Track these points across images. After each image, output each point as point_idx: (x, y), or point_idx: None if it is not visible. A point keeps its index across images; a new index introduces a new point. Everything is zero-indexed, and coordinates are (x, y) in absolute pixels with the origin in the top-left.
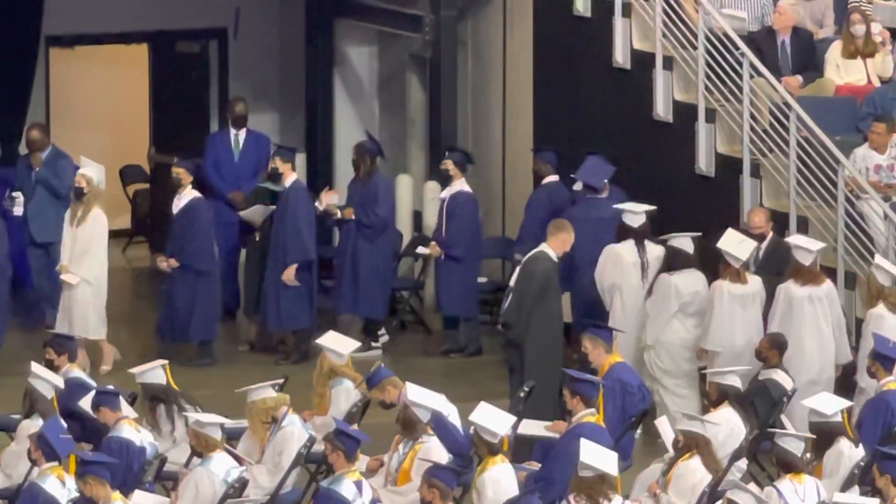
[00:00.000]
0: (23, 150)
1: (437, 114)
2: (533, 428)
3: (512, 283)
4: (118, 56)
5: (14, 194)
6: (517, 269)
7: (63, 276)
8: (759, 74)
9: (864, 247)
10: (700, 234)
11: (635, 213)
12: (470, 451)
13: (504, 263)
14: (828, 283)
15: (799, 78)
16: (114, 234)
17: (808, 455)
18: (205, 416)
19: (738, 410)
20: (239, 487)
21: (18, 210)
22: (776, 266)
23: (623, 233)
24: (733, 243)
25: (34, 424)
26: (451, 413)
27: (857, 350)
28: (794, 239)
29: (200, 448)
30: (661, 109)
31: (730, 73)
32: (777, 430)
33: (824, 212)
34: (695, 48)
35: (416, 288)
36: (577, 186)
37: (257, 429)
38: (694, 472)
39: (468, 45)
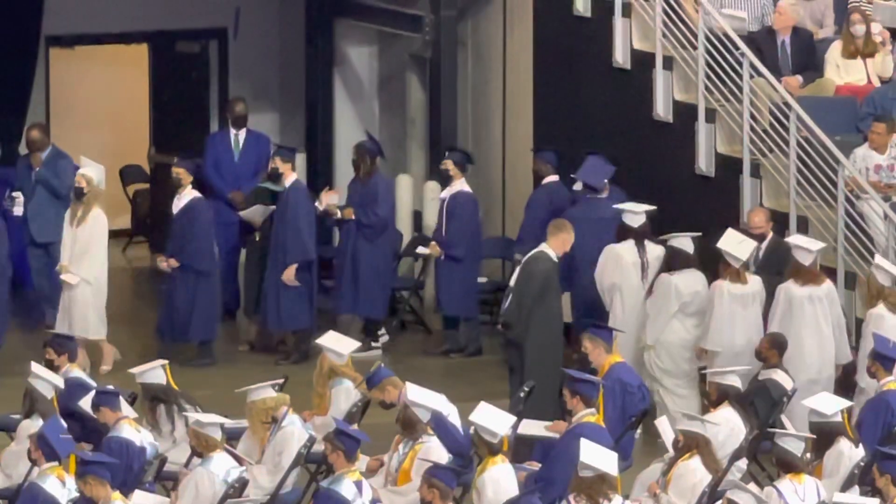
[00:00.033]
0: (23, 150)
1: (437, 114)
2: (533, 428)
3: (512, 283)
4: (118, 56)
5: (14, 194)
6: (517, 269)
7: (63, 277)
8: (759, 74)
9: (865, 247)
10: (700, 234)
11: (635, 213)
12: (470, 451)
13: (504, 263)
14: (828, 283)
15: (799, 78)
16: (114, 234)
17: (808, 455)
18: (205, 416)
19: (738, 410)
20: (239, 487)
21: (18, 210)
22: (776, 266)
23: (623, 233)
24: (733, 243)
25: (34, 424)
26: (451, 413)
27: (857, 350)
28: (794, 239)
29: (200, 448)
30: (661, 109)
31: (730, 73)
32: (777, 430)
33: (824, 212)
34: (695, 48)
35: (416, 288)
36: (577, 186)
37: (257, 429)
38: (694, 472)
39: (468, 45)
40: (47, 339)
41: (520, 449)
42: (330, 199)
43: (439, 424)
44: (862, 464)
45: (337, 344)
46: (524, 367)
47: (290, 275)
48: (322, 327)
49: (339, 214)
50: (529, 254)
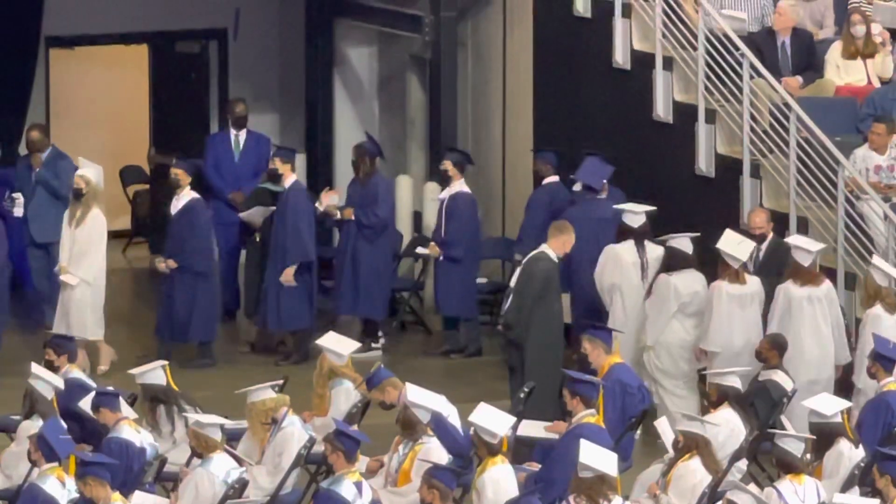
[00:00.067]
0: (23, 150)
1: (437, 114)
2: (533, 429)
3: (512, 283)
4: (118, 56)
5: (14, 195)
6: (518, 270)
7: (62, 277)
8: (759, 75)
9: (864, 247)
10: (699, 234)
11: (635, 213)
12: (470, 452)
13: (504, 264)
14: (827, 284)
15: (799, 78)
16: (114, 235)
17: (808, 456)
18: (205, 417)
19: (738, 411)
20: (239, 488)
21: (19, 211)
22: (777, 267)
23: (623, 233)
24: (732, 244)
25: (34, 425)
26: (451, 414)
27: (854, 351)
28: (794, 239)
29: (200, 449)
30: (661, 110)
31: (730, 74)
32: (777, 431)
33: (824, 212)
34: (695, 49)
35: (416, 288)
36: (577, 187)
37: (257, 430)
38: (694, 473)
39: (468, 46)
40: (47, 340)
41: (520, 450)
42: (330, 200)
43: (439, 425)
44: (862, 464)
45: (337, 345)
46: (525, 368)
47: (288, 276)
48: (322, 328)
49: (338, 215)
50: (530, 254)
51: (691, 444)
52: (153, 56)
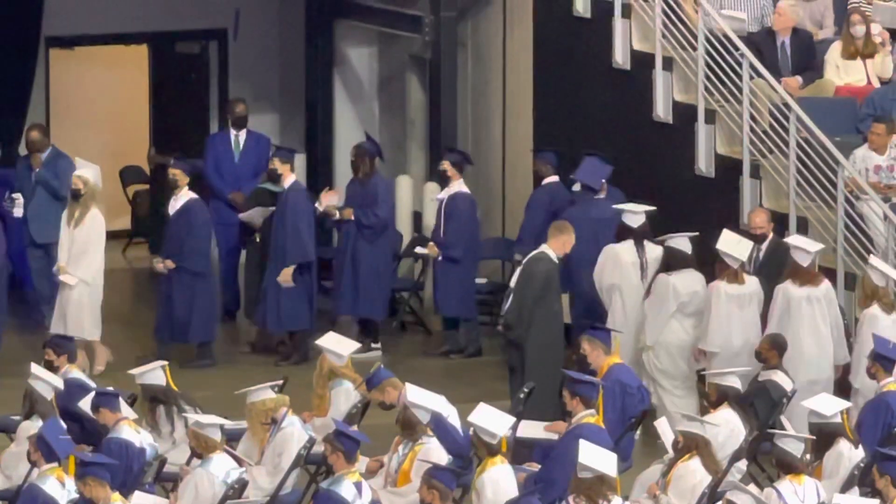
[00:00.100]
0: (22, 150)
1: (437, 115)
2: (532, 430)
3: (513, 283)
4: (118, 57)
5: (14, 195)
6: (518, 270)
7: (61, 277)
8: (759, 75)
9: (864, 248)
10: (697, 233)
11: (635, 213)
12: (470, 453)
13: (504, 264)
14: (826, 284)
15: (798, 79)
16: (114, 235)
17: (808, 456)
18: (204, 418)
19: (738, 411)
20: (239, 489)
21: (18, 211)
22: (777, 267)
23: (623, 233)
24: (731, 244)
25: (34, 426)
26: (451, 414)
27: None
28: (793, 240)
29: (200, 449)
30: (661, 110)
31: (729, 74)
32: (777, 431)
33: (824, 213)
34: (694, 49)
35: (416, 289)
36: (576, 187)
37: (257, 430)
38: (694, 474)
39: (468, 46)
40: (47, 340)
41: (519, 450)
42: (329, 200)
43: (439, 425)
44: (862, 465)
45: (337, 345)
46: (525, 368)
47: (286, 276)
48: (321, 328)
49: (337, 215)
50: (530, 255)
51: (691, 445)
52: (153, 56)
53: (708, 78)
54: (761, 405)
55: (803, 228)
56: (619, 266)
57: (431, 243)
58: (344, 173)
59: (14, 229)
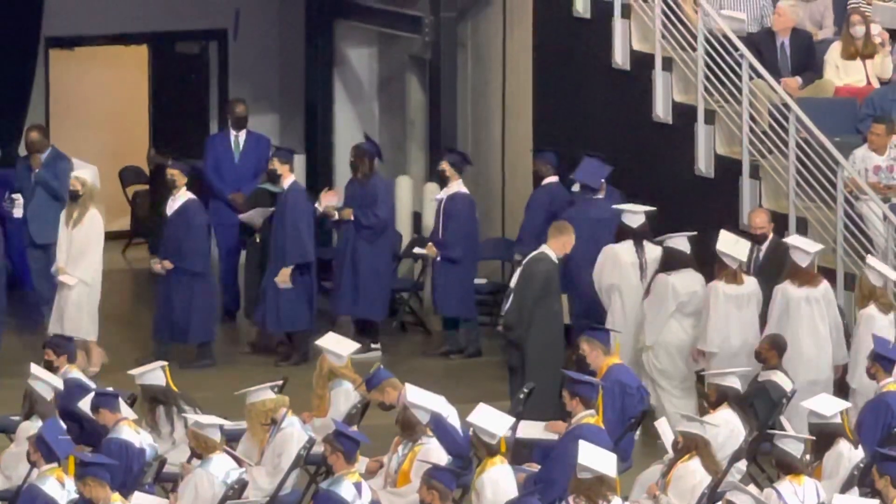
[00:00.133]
0: (22, 151)
1: (437, 115)
2: (532, 430)
3: (513, 284)
4: (118, 57)
5: (14, 196)
6: (518, 271)
7: (60, 278)
8: (759, 76)
9: (864, 248)
10: (695, 232)
11: (634, 213)
12: (469, 453)
13: (504, 264)
14: (825, 284)
15: (798, 79)
16: (114, 236)
17: (808, 456)
18: (204, 418)
19: (738, 412)
20: (238, 489)
21: (18, 212)
22: (777, 267)
23: (622, 233)
24: (730, 244)
25: (34, 426)
26: (451, 414)
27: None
28: (793, 240)
29: (200, 449)
30: (661, 111)
31: (729, 75)
32: (776, 432)
33: (823, 213)
34: (694, 49)
35: (416, 289)
36: (576, 188)
37: (256, 430)
38: (693, 474)
39: (468, 47)
40: (46, 341)
41: (519, 450)
42: (329, 201)
43: (439, 426)
44: (861, 465)
45: (336, 345)
46: (525, 369)
47: (284, 276)
48: (321, 329)
49: (336, 216)
50: (530, 255)
51: (691, 445)
52: (153, 57)
53: (707, 78)
54: (761, 405)
55: (803, 229)
56: (618, 266)
57: (430, 244)
58: (344, 174)
59: (14, 230)
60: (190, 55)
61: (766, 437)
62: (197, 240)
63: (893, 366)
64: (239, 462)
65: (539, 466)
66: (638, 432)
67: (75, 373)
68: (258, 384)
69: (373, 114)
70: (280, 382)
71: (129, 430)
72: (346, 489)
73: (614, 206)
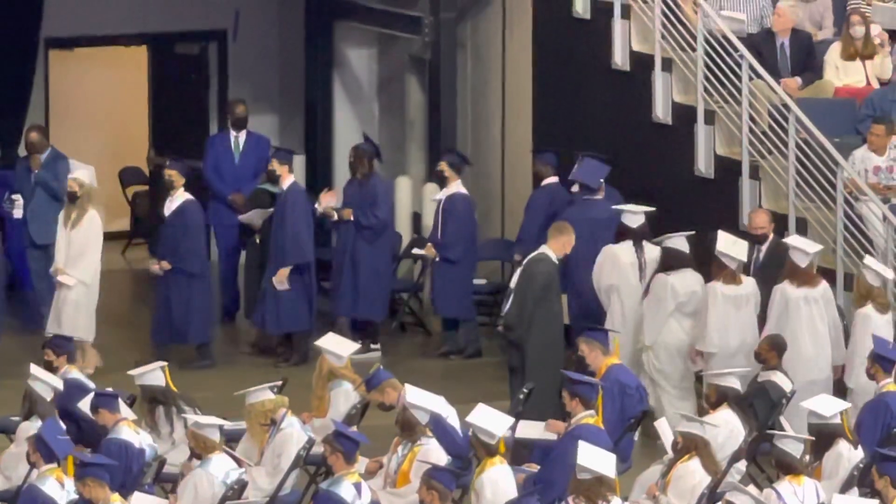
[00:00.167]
0: (22, 152)
1: (437, 115)
2: (531, 430)
3: (513, 284)
4: (118, 58)
5: (14, 196)
6: (518, 271)
7: (59, 278)
8: (758, 76)
9: (864, 248)
10: (693, 232)
11: (634, 213)
12: (469, 453)
13: (503, 265)
14: (824, 285)
15: (798, 80)
16: (113, 237)
17: (808, 457)
18: (203, 418)
19: (738, 412)
20: (238, 489)
21: (18, 212)
22: (778, 268)
23: (622, 233)
24: (729, 245)
25: (33, 426)
26: (450, 415)
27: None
28: (792, 240)
29: (199, 450)
30: (661, 111)
31: (729, 75)
32: (776, 432)
33: (823, 213)
34: (694, 50)
35: (416, 290)
36: (575, 188)
37: (256, 431)
38: (693, 474)
39: (467, 47)
40: (46, 341)
41: (519, 451)
42: (329, 201)
43: (438, 426)
44: (861, 465)
45: (336, 346)
46: (525, 369)
47: (281, 277)
48: (320, 329)
49: (335, 216)
50: (530, 256)
51: (690, 445)
52: (153, 57)
53: (707, 79)
54: (761, 406)
55: (802, 229)
56: (617, 266)
57: (429, 244)
58: (343, 174)
59: (14, 230)
60: (190, 56)
61: (766, 437)
62: (194, 240)
63: (893, 366)
64: (238, 462)
65: (538, 467)
66: (637, 433)
67: (75, 373)
68: (258, 385)
69: (372, 114)
70: (279, 383)
71: (129, 431)
72: (345, 489)
73: (613, 207)
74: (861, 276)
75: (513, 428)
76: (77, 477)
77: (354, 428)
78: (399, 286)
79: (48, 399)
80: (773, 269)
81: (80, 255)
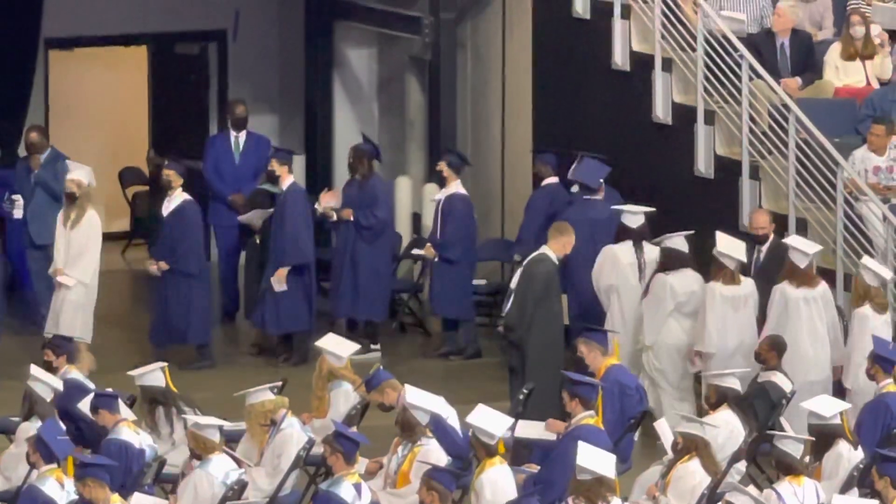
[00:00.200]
0: (22, 152)
1: (437, 116)
2: (530, 429)
3: (513, 285)
4: (117, 58)
5: (14, 197)
6: (518, 272)
7: (59, 279)
8: (758, 76)
9: (863, 248)
10: (692, 231)
11: (634, 213)
12: (469, 454)
13: (503, 265)
14: (823, 285)
15: (798, 80)
16: (113, 237)
17: (808, 457)
18: (203, 419)
19: (738, 412)
20: (238, 490)
21: (18, 212)
22: (778, 268)
23: (622, 234)
24: (728, 245)
25: (33, 427)
26: (450, 415)
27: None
28: (792, 240)
29: (199, 450)
30: (661, 111)
31: (729, 75)
32: (776, 433)
33: (823, 214)
34: (694, 50)
35: (415, 290)
36: (574, 188)
37: (256, 432)
38: (693, 475)
39: (467, 47)
40: (46, 341)
41: (519, 451)
42: (328, 201)
43: (438, 427)
44: (861, 466)
45: (336, 346)
46: (525, 370)
47: (280, 277)
48: (320, 330)
49: (334, 217)
50: (531, 256)
51: (690, 446)
52: (152, 57)
53: (707, 79)
54: (761, 406)
55: (802, 229)
56: (617, 267)
57: (428, 245)
58: (343, 174)
59: (14, 231)
60: (189, 56)
61: (766, 437)
62: (192, 241)
63: (893, 367)
64: (238, 463)
65: (538, 467)
66: (637, 433)
67: (75, 373)
68: (257, 385)
69: (372, 114)
70: (279, 383)
71: (129, 431)
72: (345, 490)
73: (613, 207)
74: (859, 276)
75: (512, 428)
76: (77, 477)
77: (354, 428)
78: (399, 287)
79: (48, 399)
80: (773, 269)
81: (79, 255)
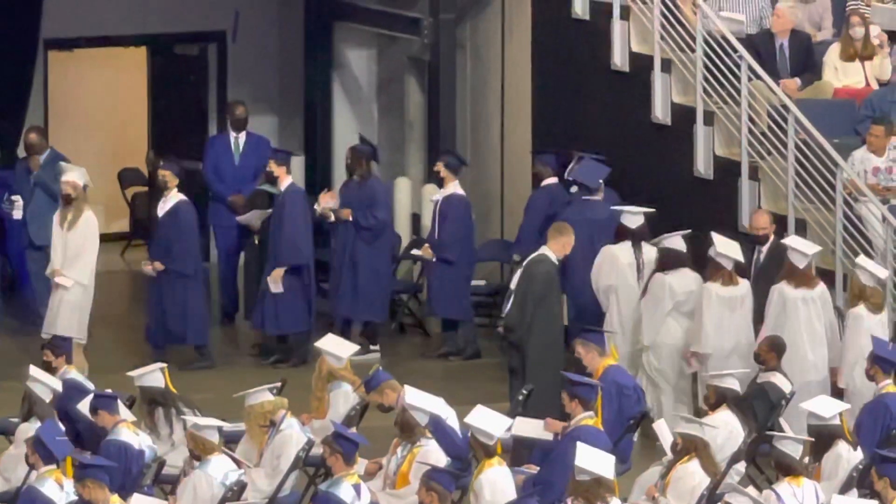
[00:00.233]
0: (21, 153)
1: (436, 116)
2: (527, 426)
3: (513, 285)
4: (117, 59)
5: (13, 197)
6: (518, 272)
7: (57, 279)
8: (758, 77)
9: (863, 249)
10: (690, 231)
11: (633, 214)
12: (468, 455)
13: (503, 266)
14: (821, 286)
15: (797, 80)
16: (113, 238)
17: (807, 458)
18: (202, 420)
19: (737, 413)
20: (237, 490)
21: (17, 213)
22: (778, 269)
23: (621, 234)
24: (725, 246)
25: (33, 428)
26: (450, 416)
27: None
28: (791, 241)
29: (198, 451)
30: (660, 112)
31: (728, 76)
32: (775, 433)
33: (822, 214)
34: (693, 51)
35: (415, 291)
36: (574, 189)
37: (255, 433)
38: (692, 476)
39: (467, 48)
40: (45, 342)
41: (518, 452)
42: (327, 202)
43: (437, 428)
44: (860, 467)
45: (335, 347)
46: (525, 370)
47: (276, 278)
48: (319, 330)
49: (332, 217)
50: (530, 256)
51: (690, 447)
52: (152, 58)
53: (706, 80)
54: (760, 407)
55: (802, 230)
56: (615, 267)
57: (426, 245)
58: (343, 175)
59: (13, 231)
60: (189, 57)
61: (765, 438)
62: (188, 241)
63: (892, 367)
64: (238, 464)
65: (537, 468)
66: (637, 434)
67: (74, 374)
68: (257, 386)
69: (372, 115)
70: (279, 384)
71: (128, 432)
72: (344, 491)
73: (612, 208)
74: (854, 276)
75: (510, 428)
76: (76, 478)
77: (354, 429)
78: (398, 287)
79: (47, 400)
80: (774, 270)
81: (76, 256)
